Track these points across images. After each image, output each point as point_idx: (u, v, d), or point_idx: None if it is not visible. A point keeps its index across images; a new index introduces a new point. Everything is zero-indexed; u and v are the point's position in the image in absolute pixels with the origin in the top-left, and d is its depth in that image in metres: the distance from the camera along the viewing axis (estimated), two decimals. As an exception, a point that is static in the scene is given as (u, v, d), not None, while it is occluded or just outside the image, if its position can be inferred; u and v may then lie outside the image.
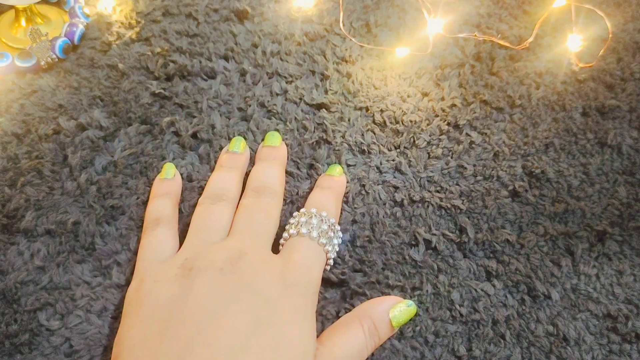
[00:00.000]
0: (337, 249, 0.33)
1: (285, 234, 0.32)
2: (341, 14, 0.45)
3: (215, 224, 0.32)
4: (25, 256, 0.33)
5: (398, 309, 0.30)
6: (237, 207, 0.34)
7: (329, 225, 0.32)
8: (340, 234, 0.33)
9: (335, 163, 0.37)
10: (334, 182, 0.36)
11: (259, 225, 0.32)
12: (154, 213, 0.34)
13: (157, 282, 0.29)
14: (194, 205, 0.35)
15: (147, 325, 0.27)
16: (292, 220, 0.33)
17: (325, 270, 0.32)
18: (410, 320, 0.31)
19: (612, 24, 0.45)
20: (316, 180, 0.37)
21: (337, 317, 0.32)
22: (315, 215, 0.32)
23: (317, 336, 0.29)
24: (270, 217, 0.33)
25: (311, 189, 0.36)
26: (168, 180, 0.35)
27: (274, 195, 0.34)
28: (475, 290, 0.33)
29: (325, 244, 0.32)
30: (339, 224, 0.35)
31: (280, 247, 0.32)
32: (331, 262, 0.32)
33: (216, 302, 0.27)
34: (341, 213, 0.35)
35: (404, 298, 0.32)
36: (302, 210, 0.33)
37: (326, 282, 0.33)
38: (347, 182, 0.37)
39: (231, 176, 0.35)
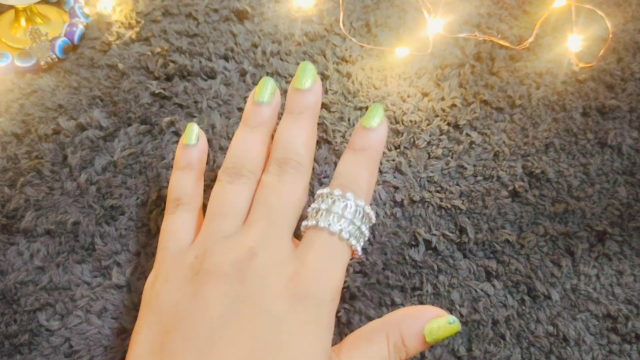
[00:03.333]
0: (367, 236, 0.28)
1: (304, 222, 0.28)
2: (341, 14, 0.45)
3: (231, 209, 0.29)
4: (25, 256, 0.33)
5: (437, 324, 0.26)
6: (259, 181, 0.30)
7: (355, 211, 0.27)
8: (371, 215, 0.28)
9: (376, 104, 0.29)
10: (369, 140, 0.29)
11: (277, 212, 0.28)
12: (174, 191, 0.31)
13: (166, 283, 0.28)
14: None
15: (153, 335, 0.27)
16: (313, 205, 0.28)
17: (350, 260, 0.28)
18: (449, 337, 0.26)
19: (612, 24, 0.45)
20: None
21: (336, 316, 0.32)
22: (338, 198, 0.27)
23: (337, 342, 0.28)
24: (290, 201, 0.28)
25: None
26: (190, 147, 0.31)
27: (298, 169, 0.29)
28: (475, 290, 0.33)
29: (349, 238, 0.27)
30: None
31: (302, 233, 0.28)
32: (359, 253, 0.28)
33: (217, 316, 0.25)
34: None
35: (405, 299, 0.32)
36: (325, 190, 0.28)
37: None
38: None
39: (254, 139, 0.30)
